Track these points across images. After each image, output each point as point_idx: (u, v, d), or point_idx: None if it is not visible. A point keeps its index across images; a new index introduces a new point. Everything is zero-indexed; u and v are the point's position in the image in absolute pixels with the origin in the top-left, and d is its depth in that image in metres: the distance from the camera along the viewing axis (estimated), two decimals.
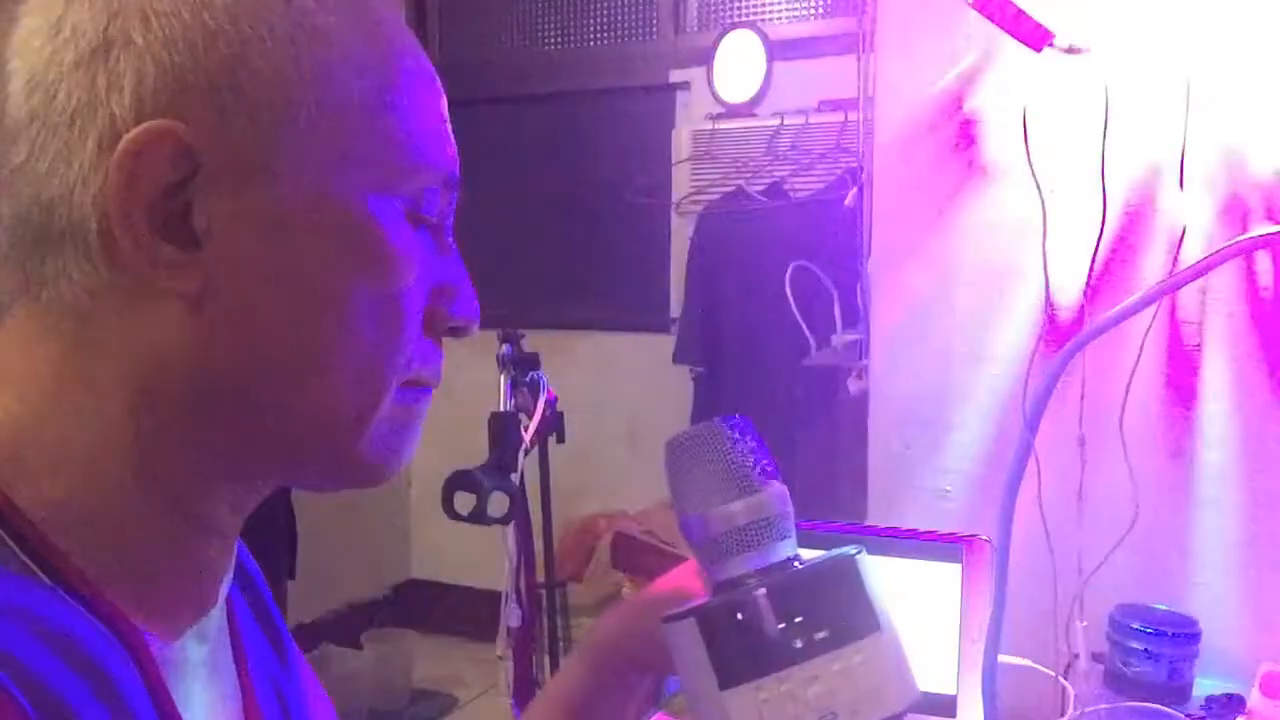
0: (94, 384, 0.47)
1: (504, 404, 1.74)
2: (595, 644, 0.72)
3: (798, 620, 0.51)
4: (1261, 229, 1.17)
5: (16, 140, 0.46)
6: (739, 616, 0.52)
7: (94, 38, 0.45)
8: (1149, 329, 1.28)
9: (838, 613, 0.52)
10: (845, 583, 0.53)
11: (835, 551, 0.54)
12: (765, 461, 0.56)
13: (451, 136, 0.54)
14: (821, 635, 0.51)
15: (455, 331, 0.55)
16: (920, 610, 1.15)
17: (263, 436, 0.50)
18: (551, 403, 1.79)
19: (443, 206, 0.54)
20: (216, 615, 0.55)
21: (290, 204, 0.47)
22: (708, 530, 0.54)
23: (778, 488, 0.56)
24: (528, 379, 1.76)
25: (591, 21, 3.72)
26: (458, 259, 0.55)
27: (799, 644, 0.51)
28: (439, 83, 0.54)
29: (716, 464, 0.55)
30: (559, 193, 3.77)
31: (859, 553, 0.54)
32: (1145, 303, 0.96)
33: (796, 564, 0.55)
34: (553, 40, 3.81)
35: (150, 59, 0.45)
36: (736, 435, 0.56)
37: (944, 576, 1.15)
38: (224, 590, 0.55)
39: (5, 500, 0.45)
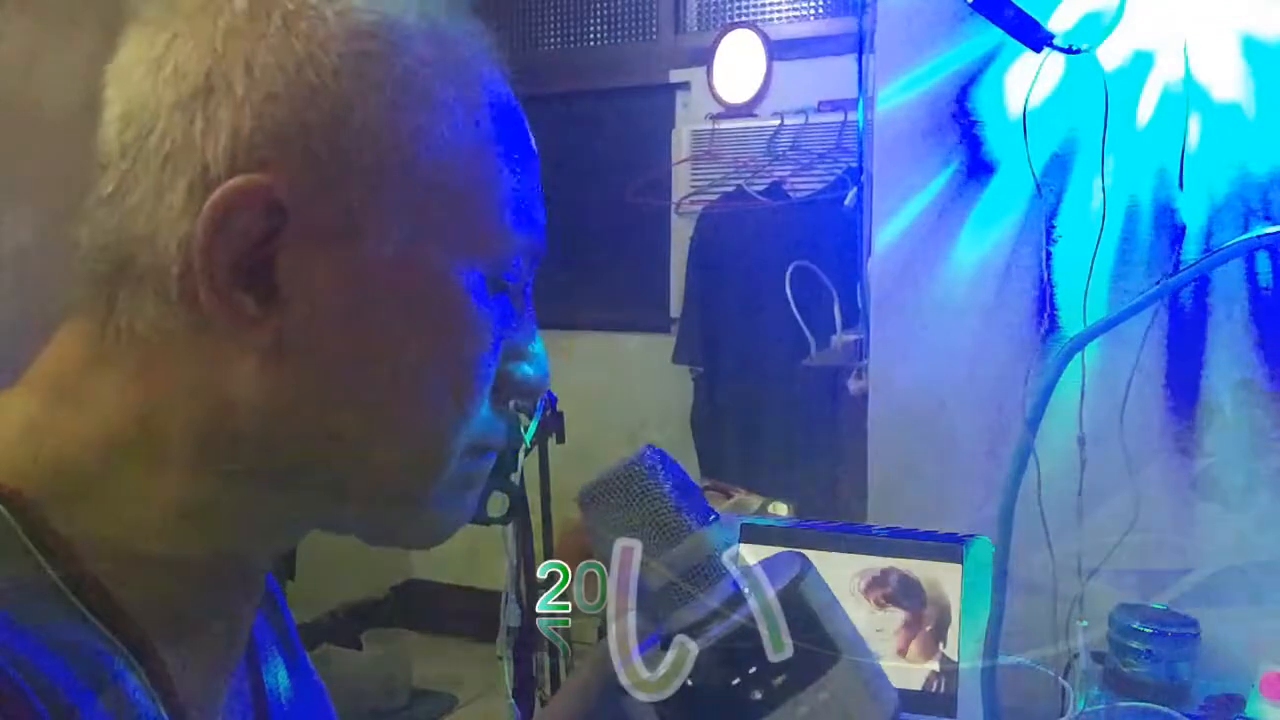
0: (150, 422, 0.46)
1: None
2: (599, 659, 0.72)
3: (752, 671, 0.48)
4: (1261, 229, 1.17)
5: (106, 171, 0.46)
6: (689, 683, 0.48)
7: (195, 80, 0.44)
8: (1149, 329, 1.28)
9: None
10: (794, 617, 0.48)
11: (782, 577, 0.50)
12: (687, 490, 0.51)
13: (542, 207, 0.54)
14: (780, 680, 0.48)
15: (522, 394, 0.54)
16: (920, 610, 1.15)
17: (324, 493, 0.49)
18: (552, 403, 1.79)
19: (524, 272, 0.53)
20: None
21: (374, 266, 0.46)
22: (643, 587, 0.50)
23: (705, 516, 0.51)
24: None
25: (591, 21, 3.72)
26: (532, 320, 0.55)
27: (759, 695, 0.47)
28: (535, 151, 0.54)
29: (638, 513, 0.50)
30: (558, 193, 3.75)
31: (803, 575, 0.49)
32: (1145, 303, 0.96)
33: (745, 594, 0.50)
34: (553, 40, 3.81)
35: (249, 109, 0.44)
36: (651, 472, 0.51)
37: (944, 576, 1.15)
38: (247, 632, 0.55)
39: (41, 521, 0.44)
